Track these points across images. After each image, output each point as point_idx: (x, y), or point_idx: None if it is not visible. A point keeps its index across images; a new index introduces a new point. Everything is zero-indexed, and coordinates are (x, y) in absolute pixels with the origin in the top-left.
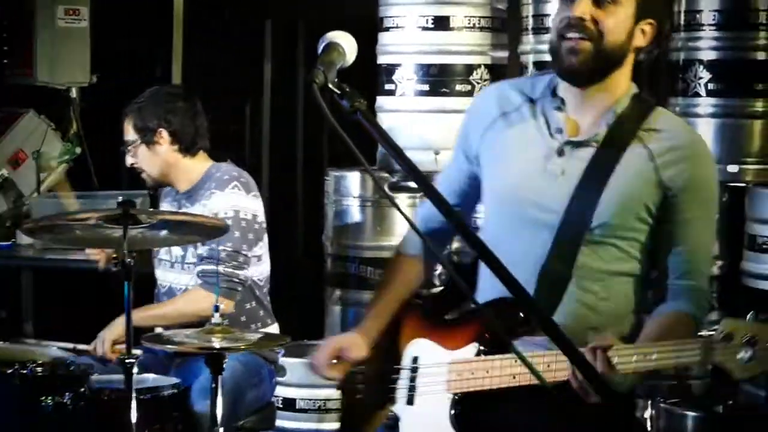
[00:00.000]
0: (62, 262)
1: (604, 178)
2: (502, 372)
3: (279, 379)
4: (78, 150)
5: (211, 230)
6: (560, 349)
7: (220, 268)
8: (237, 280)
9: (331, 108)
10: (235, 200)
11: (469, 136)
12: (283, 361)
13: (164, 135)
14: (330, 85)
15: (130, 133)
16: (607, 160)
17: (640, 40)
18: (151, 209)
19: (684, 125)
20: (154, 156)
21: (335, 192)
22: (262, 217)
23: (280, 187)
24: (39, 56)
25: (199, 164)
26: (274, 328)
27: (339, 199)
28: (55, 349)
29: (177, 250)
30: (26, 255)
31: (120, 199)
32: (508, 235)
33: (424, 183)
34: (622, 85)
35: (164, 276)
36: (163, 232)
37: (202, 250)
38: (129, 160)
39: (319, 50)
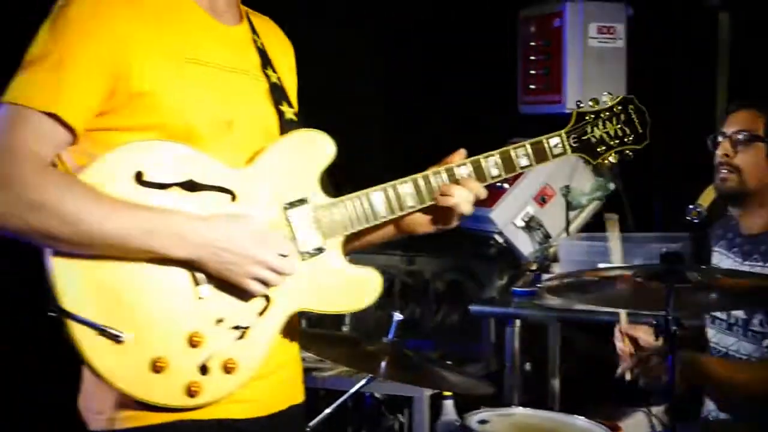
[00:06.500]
0: (590, 314)
1: None
2: None
3: None
4: (612, 186)
5: None
6: None
7: None
8: None
9: None
10: None
11: None
12: None
13: None
14: None
15: (757, 124)
16: None
17: None
18: (703, 267)
19: None
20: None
21: None
22: None
23: None
24: (570, 80)
25: None
26: None
27: None
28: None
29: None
30: (551, 305)
31: (663, 250)
32: None
33: None
34: None
35: (718, 338)
36: (712, 295)
37: None
38: (726, 151)
39: None
